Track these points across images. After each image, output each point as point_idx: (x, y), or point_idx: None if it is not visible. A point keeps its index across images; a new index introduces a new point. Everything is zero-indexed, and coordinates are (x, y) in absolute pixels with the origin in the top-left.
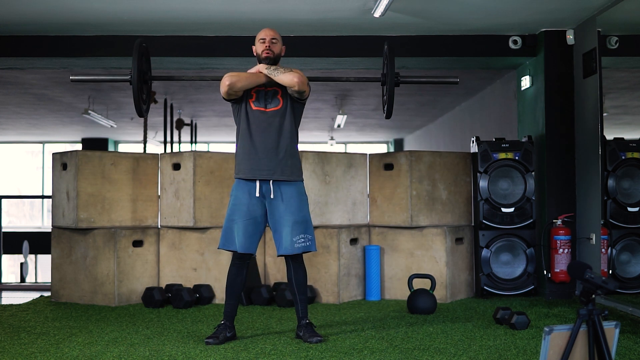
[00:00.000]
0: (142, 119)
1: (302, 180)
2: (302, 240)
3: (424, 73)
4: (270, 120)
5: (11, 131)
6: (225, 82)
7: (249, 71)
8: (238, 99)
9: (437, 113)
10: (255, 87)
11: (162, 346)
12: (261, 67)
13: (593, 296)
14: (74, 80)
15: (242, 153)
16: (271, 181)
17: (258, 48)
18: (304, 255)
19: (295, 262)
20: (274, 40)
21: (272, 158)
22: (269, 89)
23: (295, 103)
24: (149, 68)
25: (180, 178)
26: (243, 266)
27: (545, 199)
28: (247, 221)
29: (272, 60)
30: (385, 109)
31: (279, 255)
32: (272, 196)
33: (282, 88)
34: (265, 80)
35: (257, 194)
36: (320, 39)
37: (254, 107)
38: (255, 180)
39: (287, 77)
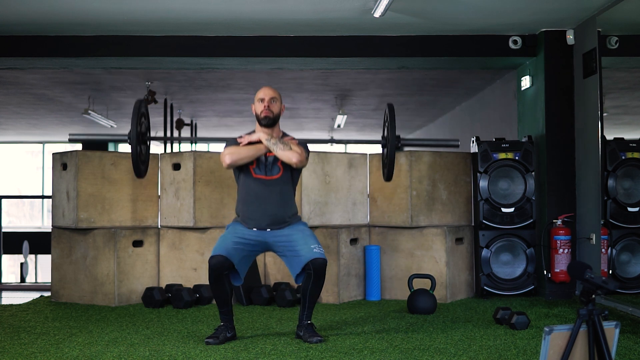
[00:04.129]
0: None
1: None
2: (319, 248)
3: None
4: (270, 188)
5: (11, 131)
6: (226, 160)
7: (249, 137)
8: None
9: (437, 113)
10: None
11: (162, 346)
12: (262, 137)
13: (593, 296)
14: (72, 141)
15: (242, 210)
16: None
17: (257, 108)
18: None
19: (317, 274)
20: (273, 100)
21: (272, 220)
22: (268, 155)
23: (294, 170)
24: (148, 127)
25: (180, 178)
26: (220, 277)
27: (545, 199)
28: (239, 239)
29: (272, 120)
30: (385, 172)
31: (301, 271)
32: (272, 233)
33: None
34: (265, 150)
35: (256, 234)
36: (320, 39)
37: (254, 175)
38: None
39: (286, 156)
